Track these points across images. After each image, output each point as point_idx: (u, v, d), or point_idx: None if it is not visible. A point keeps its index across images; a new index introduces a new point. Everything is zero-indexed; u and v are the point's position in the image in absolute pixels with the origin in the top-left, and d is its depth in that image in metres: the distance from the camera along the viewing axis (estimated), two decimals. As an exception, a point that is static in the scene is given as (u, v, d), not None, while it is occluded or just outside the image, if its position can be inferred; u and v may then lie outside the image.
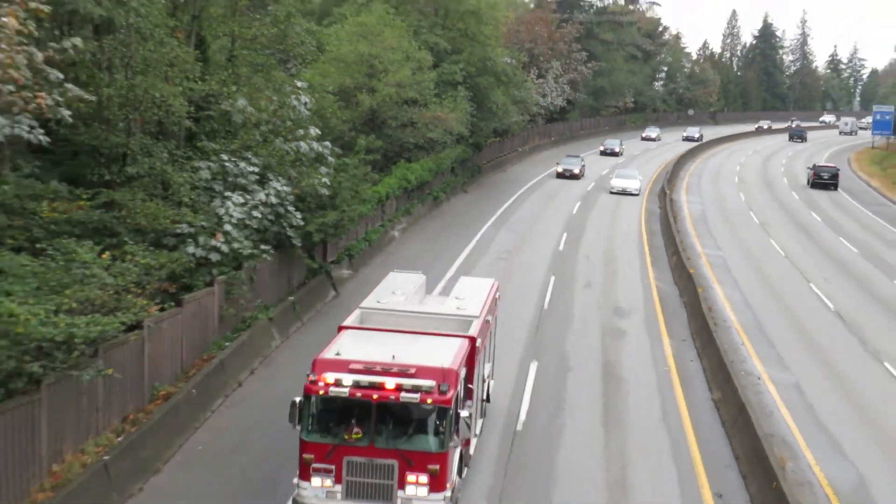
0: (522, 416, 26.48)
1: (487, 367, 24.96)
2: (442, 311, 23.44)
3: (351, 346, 19.92)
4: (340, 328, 21.56)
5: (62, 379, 19.54)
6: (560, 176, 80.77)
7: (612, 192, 73.85)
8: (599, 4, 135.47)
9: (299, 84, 38.60)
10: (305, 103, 37.25)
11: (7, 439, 18.15)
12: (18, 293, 19.43)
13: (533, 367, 30.61)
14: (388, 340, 20.57)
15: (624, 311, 38.66)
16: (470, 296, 24.72)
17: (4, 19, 21.67)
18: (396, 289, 24.60)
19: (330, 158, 36.29)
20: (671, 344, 34.46)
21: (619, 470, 23.54)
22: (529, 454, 24.04)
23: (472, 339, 21.33)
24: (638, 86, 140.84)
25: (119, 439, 21.55)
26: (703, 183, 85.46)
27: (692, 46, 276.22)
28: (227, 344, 28.31)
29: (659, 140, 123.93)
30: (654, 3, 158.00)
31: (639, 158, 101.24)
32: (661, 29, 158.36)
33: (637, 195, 73.64)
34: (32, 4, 22.11)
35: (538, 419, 26.41)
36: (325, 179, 34.72)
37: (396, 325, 22.01)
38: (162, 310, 24.69)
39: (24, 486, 18.74)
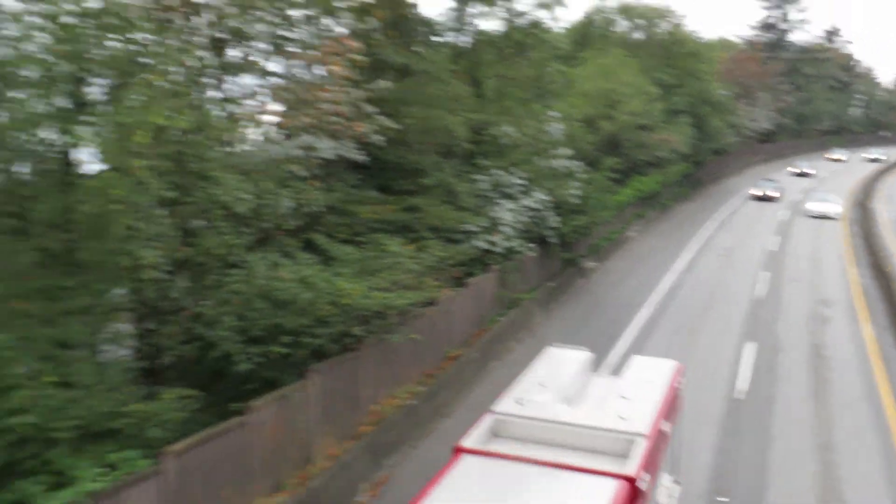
0: (741, 387, 25.52)
1: (666, 480, 14.87)
2: (598, 422, 13.12)
3: (456, 494, 11.03)
4: (458, 450, 12.16)
5: (378, 341, 20.41)
6: (757, 199, 68.90)
7: (810, 217, 61.61)
8: (801, 45, 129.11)
9: (553, 114, 38.72)
10: (558, 129, 37.31)
11: (341, 384, 19.16)
12: (346, 274, 20.43)
13: (749, 346, 29.38)
14: (510, 482, 11.41)
15: (828, 302, 36.50)
16: (640, 393, 14.52)
17: (333, 68, 23.02)
18: (547, 380, 14.68)
19: (579, 174, 36.23)
20: (871, 330, 32.28)
21: (826, 434, 22.27)
22: (748, 418, 23.14)
23: (632, 482, 11.45)
24: (836, 111, 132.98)
25: (421, 389, 22.32)
26: (895, 194, 79.45)
27: (884, 77, 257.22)
28: (499, 318, 28.68)
29: (845, 161, 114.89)
30: (847, 42, 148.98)
31: (833, 178, 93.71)
32: (853, 63, 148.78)
33: (836, 219, 61.56)
34: (352, 56, 23.37)
35: (755, 390, 25.35)
36: (575, 191, 34.76)
37: (535, 439, 12.91)
38: (453, 290, 25.44)
39: (353, 420, 19.72)
